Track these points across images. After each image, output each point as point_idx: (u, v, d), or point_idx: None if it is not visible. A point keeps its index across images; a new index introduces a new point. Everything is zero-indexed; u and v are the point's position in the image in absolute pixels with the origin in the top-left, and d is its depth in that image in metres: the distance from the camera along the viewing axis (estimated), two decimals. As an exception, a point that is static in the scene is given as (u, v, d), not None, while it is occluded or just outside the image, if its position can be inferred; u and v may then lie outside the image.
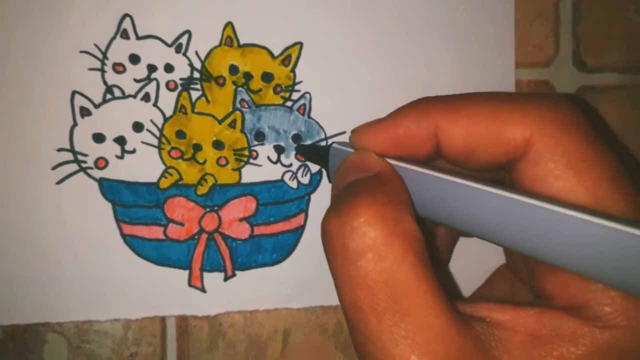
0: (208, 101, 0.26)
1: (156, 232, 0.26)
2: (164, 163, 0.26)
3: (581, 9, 0.30)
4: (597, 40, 0.30)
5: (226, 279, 0.27)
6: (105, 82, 0.26)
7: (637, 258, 0.13)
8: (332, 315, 0.28)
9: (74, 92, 0.26)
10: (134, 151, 0.26)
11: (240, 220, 0.27)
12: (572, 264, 0.15)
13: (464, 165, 0.19)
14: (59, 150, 0.26)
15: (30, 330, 0.26)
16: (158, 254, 0.26)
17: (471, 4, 0.28)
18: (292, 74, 0.27)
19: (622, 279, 0.14)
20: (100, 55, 0.26)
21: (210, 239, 0.27)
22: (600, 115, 0.30)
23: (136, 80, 0.26)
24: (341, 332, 0.28)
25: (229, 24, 0.26)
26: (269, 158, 0.27)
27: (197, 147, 0.26)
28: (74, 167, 0.26)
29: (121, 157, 0.26)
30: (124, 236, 0.26)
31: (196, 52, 0.26)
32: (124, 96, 0.26)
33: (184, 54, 0.26)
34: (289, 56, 0.27)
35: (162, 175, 0.26)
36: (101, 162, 0.26)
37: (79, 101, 0.26)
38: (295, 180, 0.27)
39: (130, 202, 0.26)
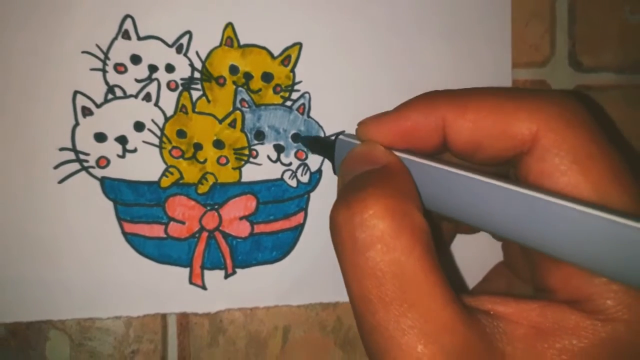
0: (208, 101, 0.27)
1: (157, 231, 0.27)
2: (165, 162, 0.27)
3: (577, 9, 0.30)
4: (592, 40, 0.30)
5: (226, 276, 0.27)
6: (106, 82, 0.26)
7: None
8: (331, 311, 0.28)
9: (75, 92, 0.26)
10: (135, 150, 0.26)
11: (241, 218, 0.27)
12: (577, 257, 0.15)
13: (470, 159, 0.19)
14: (61, 149, 0.26)
15: (33, 328, 0.26)
16: (159, 252, 0.27)
17: (469, 5, 0.28)
18: (291, 74, 0.27)
19: (626, 273, 0.14)
20: (101, 56, 0.26)
21: (210, 237, 0.27)
22: (604, 112, 0.30)
23: (137, 80, 0.26)
24: (340, 328, 0.28)
25: (229, 25, 0.27)
26: (268, 157, 0.27)
27: (198, 147, 0.27)
28: (75, 166, 0.26)
29: (122, 157, 0.26)
30: (125, 234, 0.26)
31: (197, 53, 0.26)
32: (126, 96, 0.26)
33: (185, 54, 0.26)
34: (289, 56, 0.27)
35: (163, 174, 0.26)
36: (103, 161, 0.26)
37: (81, 101, 0.26)
38: (294, 179, 0.27)
39: (132, 201, 0.26)
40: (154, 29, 0.26)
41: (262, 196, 0.27)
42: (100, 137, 0.26)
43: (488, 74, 0.28)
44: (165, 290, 0.27)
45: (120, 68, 0.26)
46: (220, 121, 0.27)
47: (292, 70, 0.27)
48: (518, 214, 0.16)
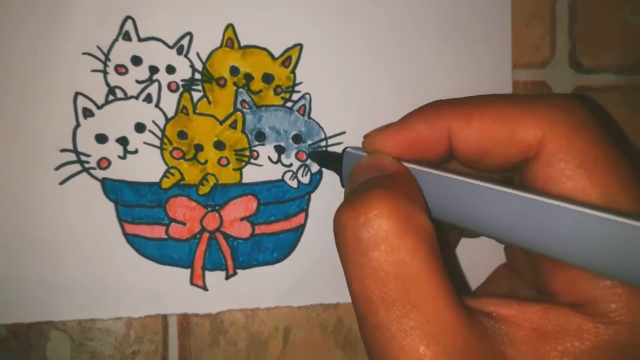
0: (209, 102, 0.27)
1: (158, 232, 0.27)
2: (165, 163, 0.27)
3: (577, 10, 0.30)
4: (593, 41, 0.30)
5: (227, 277, 0.27)
6: (107, 84, 0.26)
7: None
8: (332, 312, 0.28)
9: (76, 94, 0.26)
10: (136, 151, 0.26)
11: (242, 219, 0.27)
12: (585, 261, 0.15)
13: (476, 167, 0.19)
14: (62, 150, 0.26)
15: (34, 329, 0.26)
16: (160, 253, 0.27)
17: (469, 6, 0.28)
18: (292, 75, 0.27)
19: (634, 273, 0.14)
20: (102, 57, 0.26)
21: (211, 238, 0.27)
22: (608, 114, 0.30)
23: (138, 82, 0.26)
24: (341, 329, 0.28)
25: (230, 26, 0.27)
26: (269, 158, 0.27)
27: (199, 148, 0.27)
28: (76, 167, 0.26)
29: (123, 158, 0.26)
30: (126, 235, 0.26)
31: (197, 54, 0.27)
32: (126, 97, 0.26)
33: (186, 56, 0.26)
34: (289, 57, 0.27)
35: (164, 175, 0.27)
36: (104, 163, 0.26)
37: (82, 102, 0.26)
38: (295, 180, 0.27)
39: (133, 202, 0.26)
40: (154, 30, 0.26)
41: (263, 197, 0.27)
42: (101, 139, 0.26)
43: (488, 74, 0.28)
44: (166, 291, 0.27)
45: (121, 69, 0.26)
46: (221, 122, 0.27)
47: (293, 72, 0.27)
48: (526, 220, 0.16)
